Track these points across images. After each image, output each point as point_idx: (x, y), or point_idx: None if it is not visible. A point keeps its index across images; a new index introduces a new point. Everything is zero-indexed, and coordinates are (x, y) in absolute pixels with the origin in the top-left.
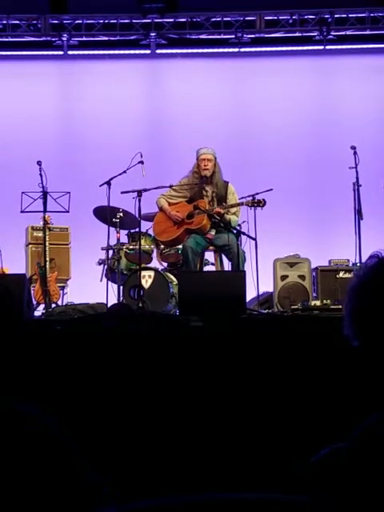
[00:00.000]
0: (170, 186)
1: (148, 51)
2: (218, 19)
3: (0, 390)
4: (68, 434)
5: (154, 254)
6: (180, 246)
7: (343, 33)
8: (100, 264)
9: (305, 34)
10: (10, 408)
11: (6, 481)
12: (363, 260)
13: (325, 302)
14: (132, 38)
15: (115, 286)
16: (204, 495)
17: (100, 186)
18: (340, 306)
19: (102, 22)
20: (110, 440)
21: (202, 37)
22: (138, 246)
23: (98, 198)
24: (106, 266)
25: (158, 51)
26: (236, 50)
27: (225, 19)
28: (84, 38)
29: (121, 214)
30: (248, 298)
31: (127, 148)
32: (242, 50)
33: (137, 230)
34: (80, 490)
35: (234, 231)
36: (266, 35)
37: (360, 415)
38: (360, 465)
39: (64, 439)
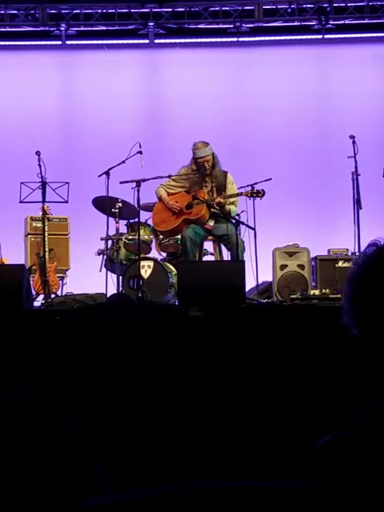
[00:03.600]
0: (169, 176)
1: (146, 41)
2: (217, 9)
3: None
4: (67, 420)
5: (153, 244)
6: (179, 236)
7: (342, 22)
8: (99, 254)
9: (303, 23)
10: (7, 395)
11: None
12: (362, 249)
13: (324, 291)
14: (130, 27)
15: (114, 276)
16: (203, 483)
17: (99, 176)
18: (339, 295)
19: (100, 11)
20: (110, 429)
21: (200, 26)
22: (137, 236)
23: (96, 188)
24: (105, 256)
25: (157, 41)
26: (234, 39)
27: (223, 9)
28: (82, 28)
29: (120, 204)
30: (247, 288)
31: (126, 138)
32: (241, 39)
33: (136, 220)
34: (78, 477)
35: (233, 221)
36: (265, 24)
37: (359, 403)
38: (360, 452)
39: (62, 425)
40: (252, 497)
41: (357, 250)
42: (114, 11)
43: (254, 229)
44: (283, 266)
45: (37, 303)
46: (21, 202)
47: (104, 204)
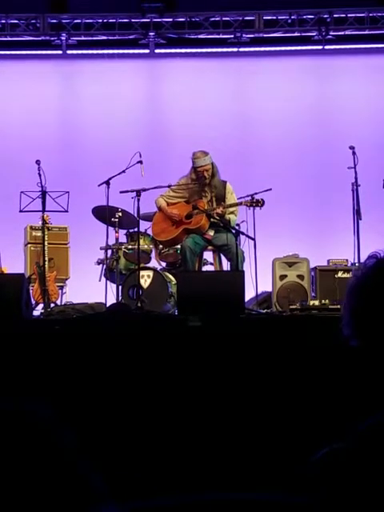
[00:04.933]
0: (169, 186)
1: (147, 51)
2: (217, 19)
3: None
4: (66, 430)
5: (153, 254)
6: (179, 246)
7: (342, 33)
8: (99, 264)
9: (304, 34)
10: (6, 405)
11: (2, 480)
12: (362, 260)
13: (323, 301)
14: (131, 37)
15: (114, 286)
16: (204, 495)
17: (99, 185)
18: (339, 306)
19: (100, 21)
20: (109, 439)
21: (200, 36)
22: (136, 246)
23: (96, 197)
24: (104, 266)
25: (157, 51)
26: (235, 49)
27: (224, 19)
28: (83, 38)
29: (120, 214)
30: (247, 298)
31: (126, 147)
32: (241, 49)
33: (135, 229)
34: (79, 488)
35: (233, 231)
36: (265, 35)
37: (359, 415)
38: (359, 465)
39: (62, 435)
40: (252, 509)
41: (356, 261)
42: (114, 21)
43: (253, 239)
44: (283, 277)
45: (36, 312)
46: (21, 211)
47: (104, 213)
